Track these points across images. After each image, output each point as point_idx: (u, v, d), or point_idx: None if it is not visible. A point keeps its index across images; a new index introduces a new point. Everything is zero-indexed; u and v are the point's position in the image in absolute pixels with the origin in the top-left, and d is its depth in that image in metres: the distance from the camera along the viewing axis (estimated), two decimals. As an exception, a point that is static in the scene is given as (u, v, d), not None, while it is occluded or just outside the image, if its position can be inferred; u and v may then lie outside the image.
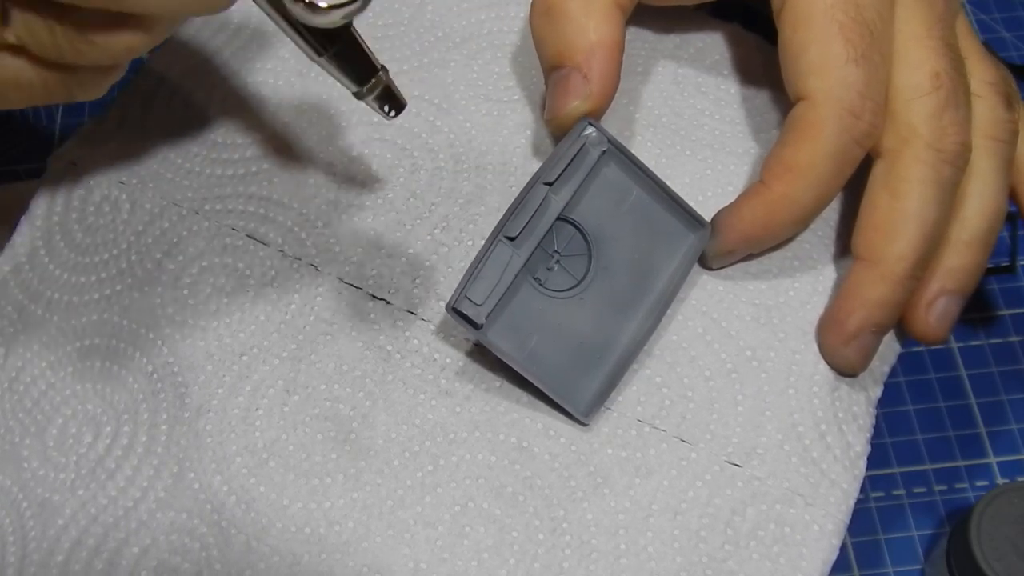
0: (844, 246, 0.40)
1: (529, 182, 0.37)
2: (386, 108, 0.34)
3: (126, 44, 0.31)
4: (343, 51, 0.32)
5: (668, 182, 0.39)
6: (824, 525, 0.36)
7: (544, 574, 0.36)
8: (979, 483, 0.45)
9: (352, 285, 0.40)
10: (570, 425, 0.37)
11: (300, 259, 0.40)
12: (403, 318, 0.39)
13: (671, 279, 0.38)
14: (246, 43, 0.44)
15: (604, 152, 0.38)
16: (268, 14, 0.32)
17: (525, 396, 0.38)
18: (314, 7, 0.30)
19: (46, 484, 0.38)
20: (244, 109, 0.43)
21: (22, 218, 0.42)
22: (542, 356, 0.37)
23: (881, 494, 0.45)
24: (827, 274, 0.40)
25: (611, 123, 0.42)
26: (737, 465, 0.37)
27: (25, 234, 0.41)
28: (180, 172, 0.42)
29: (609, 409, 0.38)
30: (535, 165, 0.41)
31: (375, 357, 0.38)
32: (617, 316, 0.38)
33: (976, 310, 0.48)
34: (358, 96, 0.33)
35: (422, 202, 0.41)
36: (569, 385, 0.37)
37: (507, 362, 0.37)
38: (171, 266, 0.40)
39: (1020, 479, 0.45)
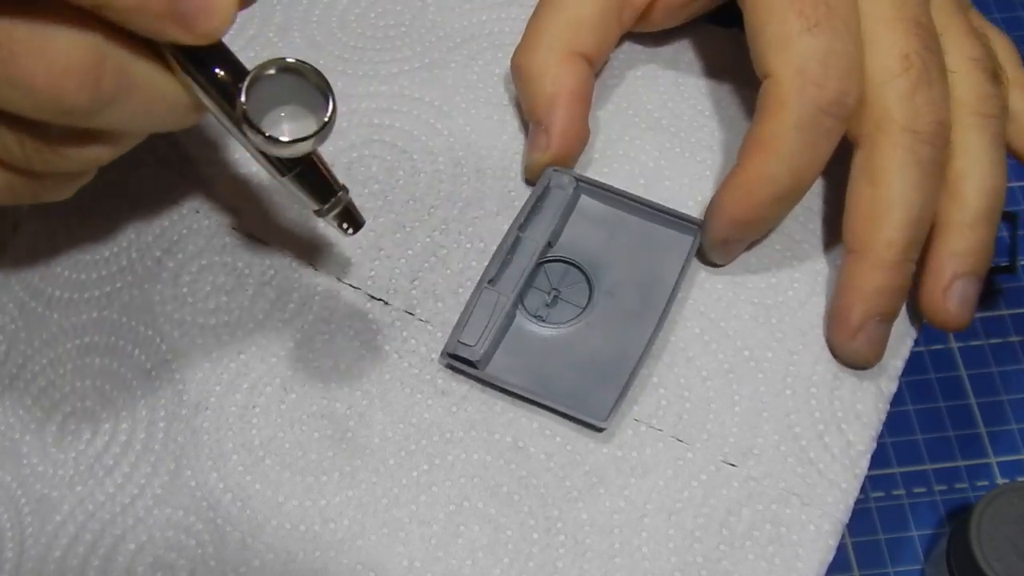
0: (843, 244, 0.40)
1: (507, 231, 0.39)
2: (344, 226, 0.34)
3: (94, 156, 0.32)
4: (304, 172, 0.33)
5: (667, 183, 0.40)
6: (820, 525, 0.36)
7: (538, 573, 0.36)
8: (979, 483, 0.45)
9: (351, 285, 0.40)
10: (566, 425, 0.37)
11: (299, 259, 0.40)
12: (401, 318, 0.39)
13: (678, 284, 0.39)
14: (248, 42, 0.44)
15: (574, 189, 0.39)
16: (231, 132, 0.32)
17: (519, 396, 0.38)
18: (274, 140, 0.30)
19: (45, 480, 0.38)
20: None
21: (23, 215, 0.42)
22: (554, 379, 0.38)
23: (881, 494, 0.45)
24: (825, 273, 0.40)
25: (611, 127, 0.42)
26: (733, 465, 0.37)
27: (26, 231, 0.41)
28: (179, 172, 0.42)
29: (606, 409, 0.38)
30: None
31: (372, 356, 0.39)
32: (628, 329, 0.38)
33: (977, 310, 0.47)
34: (318, 214, 0.34)
35: (421, 204, 0.41)
36: (586, 399, 0.37)
37: (518, 392, 0.37)
38: (171, 264, 0.40)
39: (1020, 479, 0.45)
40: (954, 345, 0.48)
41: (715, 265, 0.40)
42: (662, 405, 0.38)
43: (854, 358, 0.38)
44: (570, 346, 0.38)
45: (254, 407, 0.38)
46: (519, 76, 0.41)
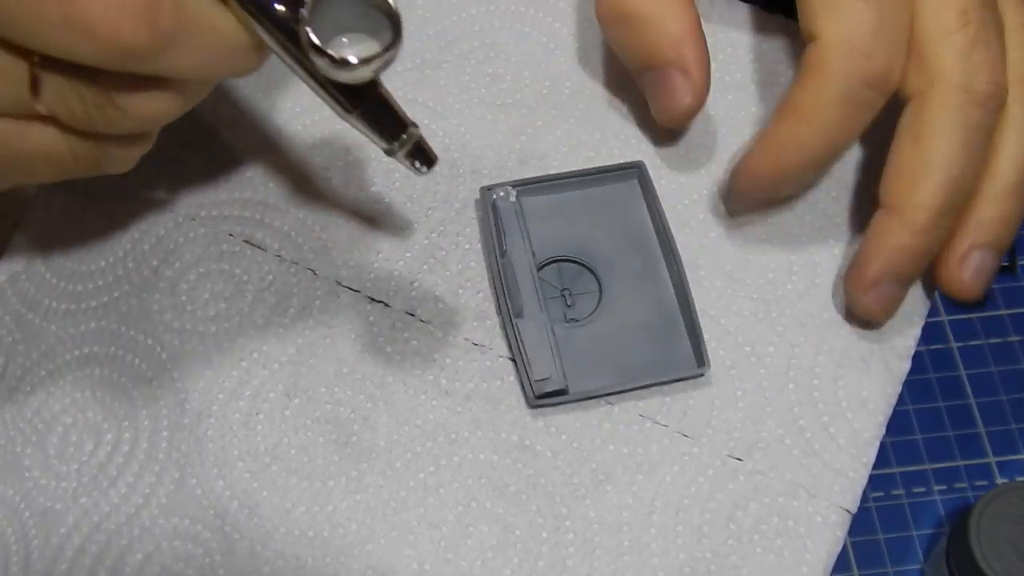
0: (841, 236, 0.40)
1: (491, 266, 0.39)
2: (417, 164, 0.33)
3: (156, 110, 0.31)
4: (373, 108, 0.32)
5: (683, 156, 0.42)
6: (828, 516, 0.37)
7: (548, 572, 0.36)
8: (979, 483, 0.45)
9: (350, 288, 0.40)
10: (572, 422, 0.38)
11: (297, 263, 0.40)
12: (402, 320, 0.39)
13: (660, 221, 0.40)
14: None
15: (516, 196, 0.39)
16: (294, 70, 0.31)
17: (522, 394, 0.38)
18: (342, 63, 0.29)
19: (48, 493, 0.37)
20: (239, 116, 0.43)
21: (17, 227, 0.41)
22: (627, 363, 0.38)
23: (881, 494, 0.45)
24: (825, 267, 0.40)
25: (625, 107, 0.43)
26: (739, 459, 0.37)
27: (21, 243, 0.41)
28: (174, 179, 0.42)
29: (611, 404, 0.38)
30: (530, 170, 0.42)
31: (375, 359, 0.39)
32: (651, 285, 0.39)
33: (976, 310, 0.48)
34: (388, 152, 0.33)
35: (419, 206, 0.41)
36: (669, 361, 0.38)
37: (611, 392, 0.38)
38: (168, 273, 0.40)
39: (1020, 479, 0.45)
40: (954, 345, 0.48)
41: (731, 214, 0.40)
42: (666, 401, 0.38)
43: (863, 312, 0.38)
44: (613, 328, 0.39)
45: (258, 414, 0.38)
46: (625, 22, 0.39)
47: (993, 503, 0.39)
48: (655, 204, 0.40)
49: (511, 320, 0.38)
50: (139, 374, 0.39)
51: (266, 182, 0.41)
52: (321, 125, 0.42)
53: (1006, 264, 0.49)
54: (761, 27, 0.44)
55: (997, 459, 0.46)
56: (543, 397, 0.37)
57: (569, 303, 0.39)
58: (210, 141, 0.42)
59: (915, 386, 0.45)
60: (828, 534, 0.36)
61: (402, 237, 0.40)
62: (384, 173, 0.42)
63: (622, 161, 0.41)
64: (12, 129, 0.31)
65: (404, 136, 0.33)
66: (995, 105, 0.36)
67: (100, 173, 0.33)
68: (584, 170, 0.41)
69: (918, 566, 0.43)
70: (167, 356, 0.39)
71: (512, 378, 0.38)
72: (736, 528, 0.36)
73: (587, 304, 0.39)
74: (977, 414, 0.47)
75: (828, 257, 0.40)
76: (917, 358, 0.45)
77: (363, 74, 0.30)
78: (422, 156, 0.33)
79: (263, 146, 0.42)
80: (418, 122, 0.42)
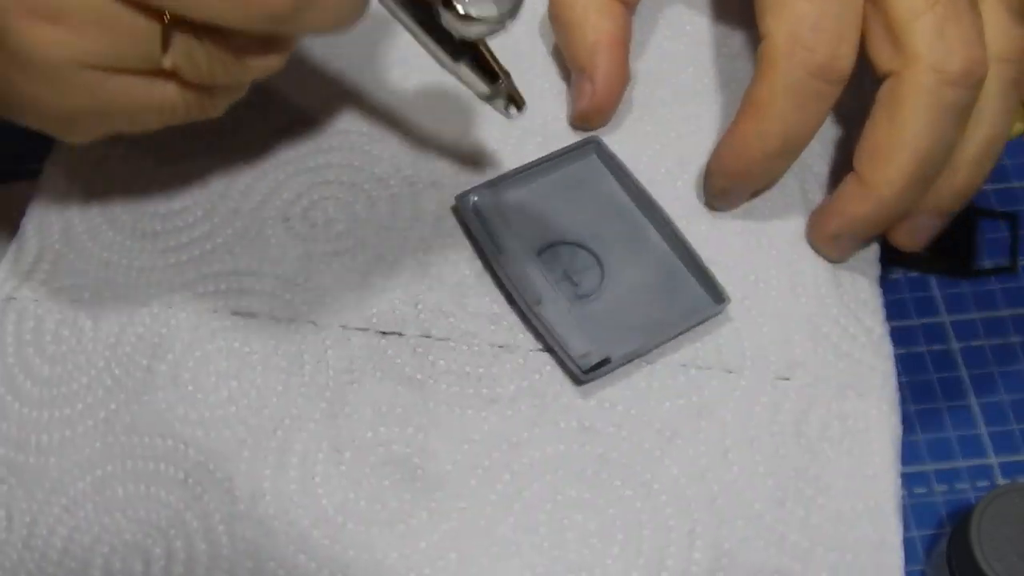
0: (822, 155, 0.42)
1: (495, 270, 0.39)
2: (510, 109, 0.37)
3: (270, 65, 0.32)
4: (477, 57, 0.36)
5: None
6: (880, 407, 0.38)
7: (655, 538, 0.35)
8: (979, 483, 0.45)
9: (358, 329, 0.38)
10: (621, 392, 0.38)
11: (294, 320, 0.38)
12: (421, 344, 0.38)
13: (632, 184, 0.40)
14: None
15: (492, 194, 0.40)
16: (406, 25, 0.34)
17: (566, 379, 0.38)
18: (467, 18, 0.33)
19: (115, 629, 0.34)
20: (176, 187, 0.41)
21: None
22: (652, 320, 0.38)
23: (883, 495, 0.45)
24: (810, 184, 0.42)
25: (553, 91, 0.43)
26: (786, 379, 0.38)
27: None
28: (132, 273, 0.39)
29: (650, 364, 0.38)
30: (487, 169, 0.42)
31: (409, 389, 0.37)
32: (645, 244, 0.40)
33: (976, 310, 0.48)
34: (488, 98, 0.37)
35: (394, 230, 0.40)
36: (690, 306, 0.39)
37: (647, 351, 0.38)
38: (163, 367, 0.38)
39: (1021, 479, 0.45)
40: (954, 345, 0.48)
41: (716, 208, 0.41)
42: (698, 346, 0.38)
43: (821, 253, 0.40)
44: (625, 294, 0.39)
45: (313, 477, 0.36)
46: (559, 26, 0.42)
47: (994, 504, 0.39)
48: (622, 171, 0.41)
49: (531, 311, 0.38)
50: (169, 477, 0.36)
51: (230, 249, 0.40)
52: (267, 179, 0.41)
53: (1006, 264, 0.49)
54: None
55: (998, 460, 0.45)
56: (590, 371, 0.37)
57: (575, 282, 0.39)
58: (155, 224, 0.40)
59: (915, 386, 0.44)
60: (886, 423, 0.38)
61: (389, 264, 0.39)
62: (345, 209, 0.41)
63: (576, 140, 0.41)
64: (137, 83, 0.32)
65: (500, 83, 0.36)
66: (971, 82, 0.36)
67: (200, 119, 0.34)
68: (545, 157, 0.41)
69: (918, 566, 0.43)
70: (194, 450, 0.36)
71: (549, 368, 0.38)
72: (806, 442, 0.37)
73: (592, 279, 0.39)
74: (978, 414, 0.46)
75: (810, 177, 0.42)
76: (918, 358, 0.47)
77: (480, 30, 0.33)
78: (516, 100, 0.37)
79: (213, 216, 0.40)
80: (360, 151, 0.42)
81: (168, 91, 0.32)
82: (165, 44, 0.31)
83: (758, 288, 0.40)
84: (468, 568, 0.35)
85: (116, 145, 0.41)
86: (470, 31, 0.33)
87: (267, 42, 0.32)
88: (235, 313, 0.38)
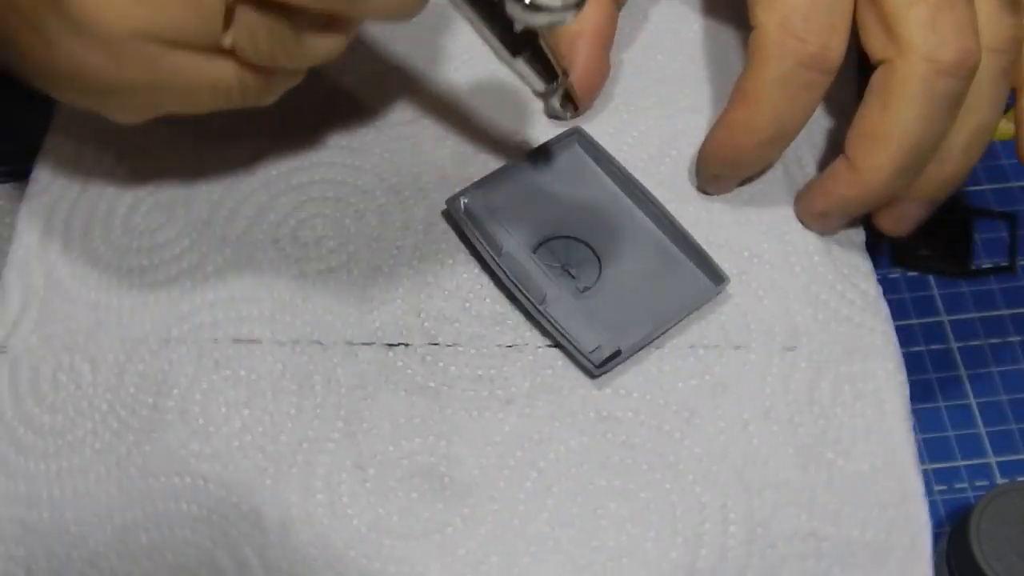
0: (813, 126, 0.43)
1: (495, 271, 0.39)
2: (566, 108, 0.39)
3: (330, 48, 0.32)
4: (535, 53, 0.36)
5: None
6: (886, 367, 0.39)
7: (688, 517, 0.36)
8: (979, 483, 0.45)
9: (364, 344, 0.38)
10: (635, 379, 0.38)
11: (298, 342, 0.38)
12: (429, 352, 0.38)
13: (619, 172, 0.41)
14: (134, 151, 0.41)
15: (482, 196, 0.40)
16: (467, 17, 0.35)
17: (579, 372, 0.38)
18: (533, 7, 0.32)
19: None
20: (158, 218, 0.40)
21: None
22: (657, 305, 0.38)
23: (883, 495, 0.45)
24: (802, 153, 0.42)
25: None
26: (793, 349, 0.39)
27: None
28: (124, 312, 0.38)
29: (660, 349, 0.38)
30: (471, 169, 0.41)
31: (424, 399, 0.37)
32: (640, 231, 0.40)
33: (975, 310, 0.49)
34: (542, 95, 0.38)
35: (386, 241, 0.40)
36: (691, 288, 0.39)
37: (656, 338, 0.38)
38: (170, 403, 0.37)
39: (1020, 479, 0.45)
40: (954, 345, 0.48)
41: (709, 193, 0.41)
42: (703, 325, 0.39)
43: (808, 227, 0.41)
44: (625, 282, 0.39)
45: (341, 497, 0.35)
46: None
47: (993, 503, 0.39)
48: (607, 161, 0.41)
49: (537, 309, 0.38)
50: (192, 516, 0.35)
51: (222, 276, 0.39)
52: (252, 202, 0.40)
53: (1006, 264, 0.50)
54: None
55: (997, 459, 0.46)
56: (603, 365, 0.37)
57: (574, 275, 0.39)
58: (140, 259, 0.39)
59: (915, 386, 0.43)
60: (894, 382, 0.38)
61: (386, 276, 0.39)
62: (334, 224, 0.40)
63: (558, 133, 0.41)
64: (195, 60, 0.31)
65: (557, 81, 0.37)
66: (964, 72, 0.36)
67: (254, 105, 0.34)
68: (529, 152, 0.41)
69: (919, 566, 0.44)
70: (214, 485, 0.36)
71: (560, 363, 0.38)
72: (820, 408, 0.38)
73: (590, 271, 0.39)
74: (977, 414, 0.47)
75: (793, 156, 0.42)
76: (917, 358, 0.47)
77: (545, 20, 0.32)
78: (570, 100, 0.39)
79: (200, 242, 0.39)
80: (342, 165, 0.42)
81: (226, 70, 0.32)
82: (227, 21, 0.30)
83: (753, 263, 0.40)
84: (510, 570, 0.35)
85: (92, 181, 0.40)
86: (535, 20, 0.33)
87: (329, 23, 0.32)
88: (237, 340, 0.38)
